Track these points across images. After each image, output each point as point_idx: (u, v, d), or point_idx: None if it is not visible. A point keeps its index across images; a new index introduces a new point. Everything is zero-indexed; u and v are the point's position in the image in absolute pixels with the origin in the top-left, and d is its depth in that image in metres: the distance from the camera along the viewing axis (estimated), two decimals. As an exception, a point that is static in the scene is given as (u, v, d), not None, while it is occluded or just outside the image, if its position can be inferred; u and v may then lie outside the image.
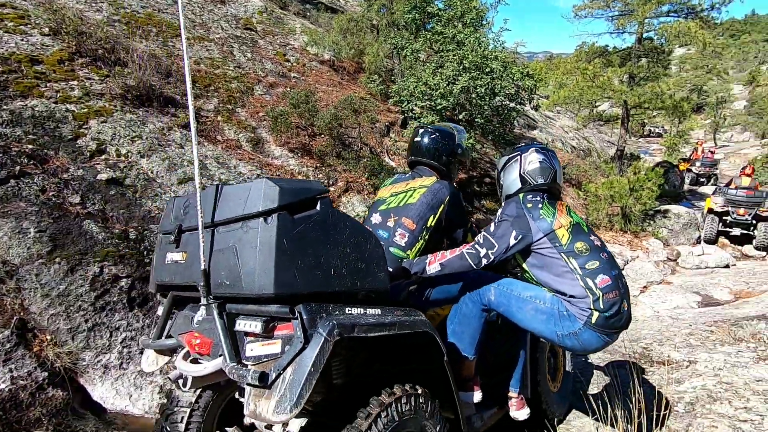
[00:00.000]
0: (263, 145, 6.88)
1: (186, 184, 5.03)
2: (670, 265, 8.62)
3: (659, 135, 34.35)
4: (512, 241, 1.80)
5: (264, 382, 1.24)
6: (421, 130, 2.31)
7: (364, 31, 10.26)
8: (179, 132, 5.76)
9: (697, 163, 18.06)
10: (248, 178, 5.75)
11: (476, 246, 1.84)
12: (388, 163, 8.08)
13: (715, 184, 15.53)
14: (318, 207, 1.40)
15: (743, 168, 11.57)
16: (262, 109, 7.42)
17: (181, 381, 1.66)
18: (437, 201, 2.02)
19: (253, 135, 6.85)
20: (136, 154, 5.02)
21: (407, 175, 2.25)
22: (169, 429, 1.87)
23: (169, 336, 1.71)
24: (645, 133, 36.47)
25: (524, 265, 1.91)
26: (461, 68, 6.05)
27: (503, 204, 2.00)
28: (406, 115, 7.52)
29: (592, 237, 1.88)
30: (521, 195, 1.94)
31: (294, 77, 9.27)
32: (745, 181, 10.49)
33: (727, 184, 10.91)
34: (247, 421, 1.93)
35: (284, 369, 1.27)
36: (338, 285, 1.41)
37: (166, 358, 1.82)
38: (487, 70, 5.94)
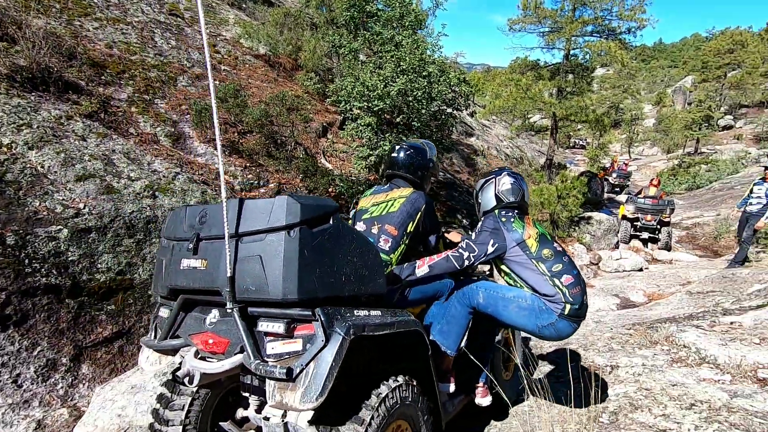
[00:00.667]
0: (185, 141, 6.28)
1: (85, 182, 4.38)
2: (592, 269, 9.15)
3: (583, 147, 37.13)
4: (490, 249, 2.14)
5: (290, 376, 1.40)
6: (397, 147, 2.52)
7: (303, 27, 9.89)
8: (81, 122, 5.05)
9: (614, 174, 20.02)
10: (164, 176, 5.18)
11: (460, 250, 2.15)
12: (324, 165, 7.77)
13: (628, 193, 17.35)
14: (331, 221, 1.55)
15: (651, 180, 13.24)
16: (186, 101, 6.82)
17: (187, 379, 1.77)
18: (415, 209, 2.25)
19: (173, 129, 6.23)
20: (22, 145, 4.30)
21: (385, 187, 2.43)
22: (167, 421, 1.98)
23: (175, 336, 1.78)
24: (571, 144, 39.28)
25: (505, 269, 2.23)
26: (399, 70, 5.92)
27: (482, 219, 2.33)
28: (344, 115, 7.28)
29: (555, 244, 2.21)
30: (497, 211, 2.28)
31: (225, 70, 8.66)
32: (652, 191, 11.94)
33: (638, 194, 12.42)
34: (238, 414, 2.11)
35: (307, 364, 1.43)
36: (348, 290, 1.60)
37: (170, 358, 1.91)
38: (424, 73, 5.87)
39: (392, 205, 2.26)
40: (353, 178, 7.37)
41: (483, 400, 2.40)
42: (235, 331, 1.55)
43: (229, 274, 1.49)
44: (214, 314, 1.67)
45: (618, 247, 10.69)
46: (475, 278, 2.51)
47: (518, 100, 11.90)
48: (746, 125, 34.93)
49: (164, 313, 1.88)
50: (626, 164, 22.80)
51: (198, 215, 1.72)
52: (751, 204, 7.19)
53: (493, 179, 2.37)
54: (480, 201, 2.41)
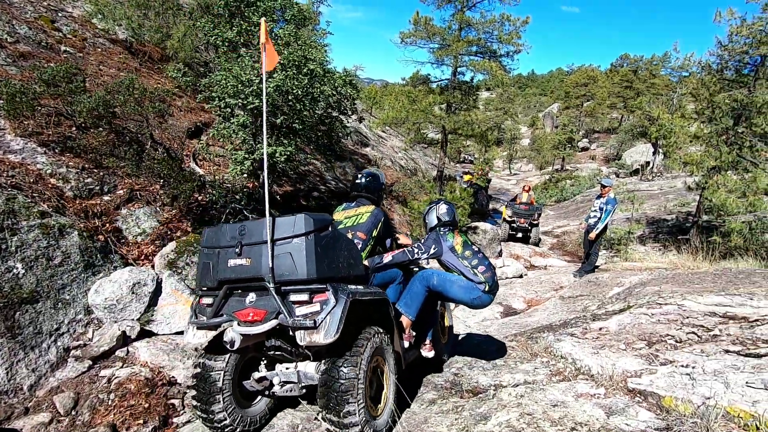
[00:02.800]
0: (-10, 133, 4.83)
1: None
2: (479, 277, 9.40)
3: (471, 162, 40.02)
4: (432, 251, 3.12)
5: (315, 324, 2.18)
6: (359, 175, 3.38)
7: (174, 12, 8.69)
8: None
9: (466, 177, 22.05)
10: None
11: (413, 248, 3.08)
12: (194, 170, 6.73)
13: (505, 201, 19.44)
14: (330, 229, 2.42)
15: (523, 186, 15.25)
16: (-1, 83, 5.31)
17: (229, 344, 2.34)
18: (377, 220, 3.15)
19: (-28, 117, 4.76)
20: None
21: (353, 204, 3.27)
22: (209, 384, 2.60)
23: (219, 316, 2.44)
24: (461, 159, 42.10)
25: (446, 265, 3.19)
26: (278, 66, 5.30)
27: (428, 232, 3.35)
28: (221, 113, 6.36)
29: (473, 246, 3.29)
30: (438, 228, 3.30)
31: (66, 52, 7.11)
32: (525, 197, 14.10)
33: (513, 200, 14.62)
34: (255, 376, 2.76)
35: (325, 317, 2.20)
36: (343, 272, 2.48)
37: (213, 333, 2.57)
38: (305, 70, 5.34)
39: (361, 217, 3.15)
40: (228, 185, 6.49)
41: (428, 353, 3.37)
42: (270, 304, 2.28)
43: (270, 266, 2.24)
44: (251, 296, 2.37)
45: (501, 255, 11.30)
46: (417, 269, 3.54)
47: (410, 112, 12.04)
48: (598, 148, 41.09)
49: (207, 300, 2.51)
50: (486, 170, 25.56)
51: (237, 230, 2.41)
52: (590, 217, 7.96)
53: (435, 206, 3.41)
54: (426, 221, 3.41)
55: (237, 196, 6.38)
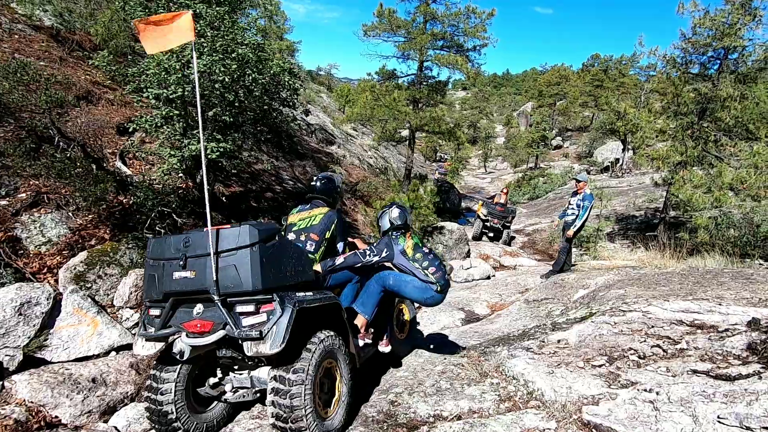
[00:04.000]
0: None
1: None
2: (445, 280, 8.97)
3: (446, 160, 39.84)
4: (383, 254, 3.28)
5: (261, 335, 2.24)
6: (315, 178, 3.57)
7: (107, -2, 7.91)
8: None
9: (437, 173, 21.74)
10: None
11: (366, 251, 3.25)
12: (120, 169, 6.02)
13: (481, 199, 19.25)
14: (276, 238, 2.47)
15: (502, 189, 15.16)
16: None
17: (179, 355, 2.43)
18: (330, 222, 3.28)
19: None
20: None
21: (307, 206, 3.40)
22: (161, 394, 2.62)
23: (167, 327, 2.46)
24: (437, 158, 41.90)
25: (399, 267, 3.37)
26: (205, 49, 4.69)
27: (381, 236, 3.51)
28: (154, 105, 5.67)
29: (424, 248, 3.42)
30: (390, 232, 3.45)
31: (-28, 37, 6.30)
32: (503, 199, 14.03)
33: (491, 199, 14.49)
34: (210, 382, 2.82)
35: (271, 327, 2.26)
36: (290, 280, 2.53)
37: (162, 344, 2.56)
38: (233, 55, 4.74)
39: (314, 219, 3.23)
40: (159, 185, 5.81)
41: (385, 348, 3.45)
42: (217, 315, 2.35)
43: (214, 278, 2.28)
44: (199, 307, 2.44)
45: (469, 256, 10.92)
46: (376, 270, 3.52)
47: (375, 108, 11.53)
48: (571, 146, 41.54)
49: (155, 312, 2.55)
50: (445, 166, 25.27)
51: (182, 241, 2.44)
52: (567, 215, 7.56)
53: (387, 210, 3.50)
54: (380, 224, 3.52)
55: (169, 198, 5.71)
